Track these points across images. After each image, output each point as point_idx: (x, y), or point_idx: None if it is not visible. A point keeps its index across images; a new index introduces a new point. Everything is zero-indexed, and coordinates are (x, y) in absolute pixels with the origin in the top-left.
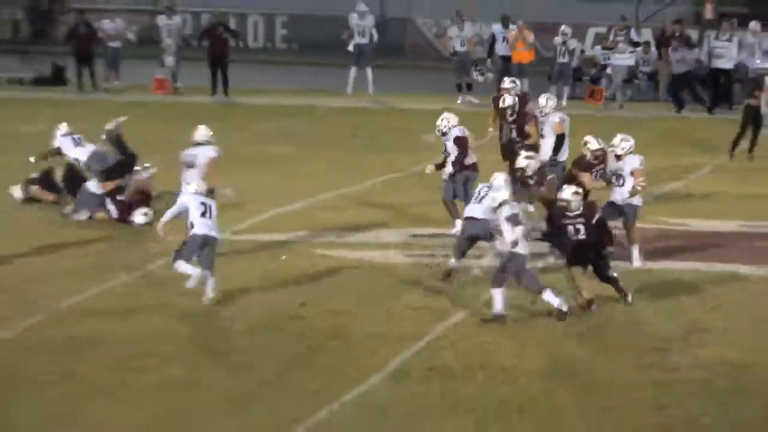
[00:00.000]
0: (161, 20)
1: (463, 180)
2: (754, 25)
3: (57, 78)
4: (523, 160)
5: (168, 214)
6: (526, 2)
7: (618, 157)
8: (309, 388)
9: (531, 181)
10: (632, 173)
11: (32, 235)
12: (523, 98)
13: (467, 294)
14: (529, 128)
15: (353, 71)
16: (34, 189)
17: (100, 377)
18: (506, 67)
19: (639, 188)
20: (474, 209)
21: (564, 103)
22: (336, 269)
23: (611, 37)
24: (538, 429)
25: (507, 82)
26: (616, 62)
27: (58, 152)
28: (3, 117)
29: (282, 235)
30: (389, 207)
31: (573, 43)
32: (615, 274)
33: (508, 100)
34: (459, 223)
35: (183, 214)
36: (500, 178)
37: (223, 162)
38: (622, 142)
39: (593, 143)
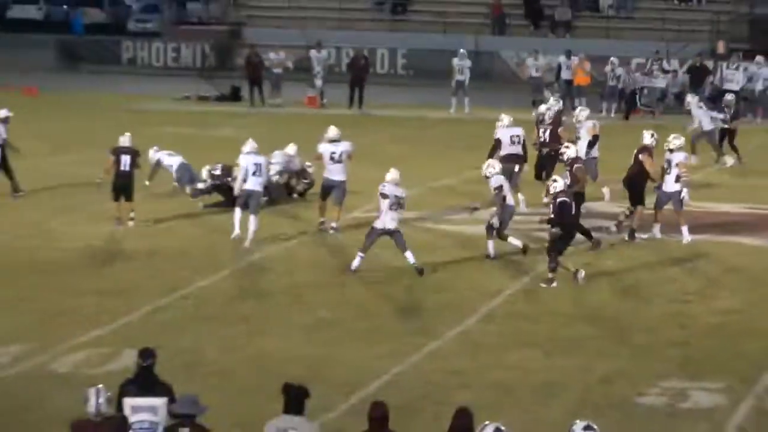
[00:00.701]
0: (312, 53)
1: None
2: (759, 58)
3: (234, 96)
4: (564, 148)
5: (239, 181)
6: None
7: (671, 151)
8: (418, 327)
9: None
10: (677, 165)
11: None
12: (561, 112)
13: (537, 260)
14: (561, 132)
15: (454, 100)
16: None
17: (266, 319)
18: (568, 88)
19: (684, 178)
20: (512, 198)
21: (612, 114)
22: (440, 239)
23: (648, 66)
24: (589, 358)
25: (551, 101)
26: (652, 85)
27: (158, 166)
28: (197, 125)
29: None
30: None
31: (619, 71)
32: (553, 254)
33: (541, 108)
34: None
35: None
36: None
37: (356, 157)
38: (674, 140)
39: (648, 134)
